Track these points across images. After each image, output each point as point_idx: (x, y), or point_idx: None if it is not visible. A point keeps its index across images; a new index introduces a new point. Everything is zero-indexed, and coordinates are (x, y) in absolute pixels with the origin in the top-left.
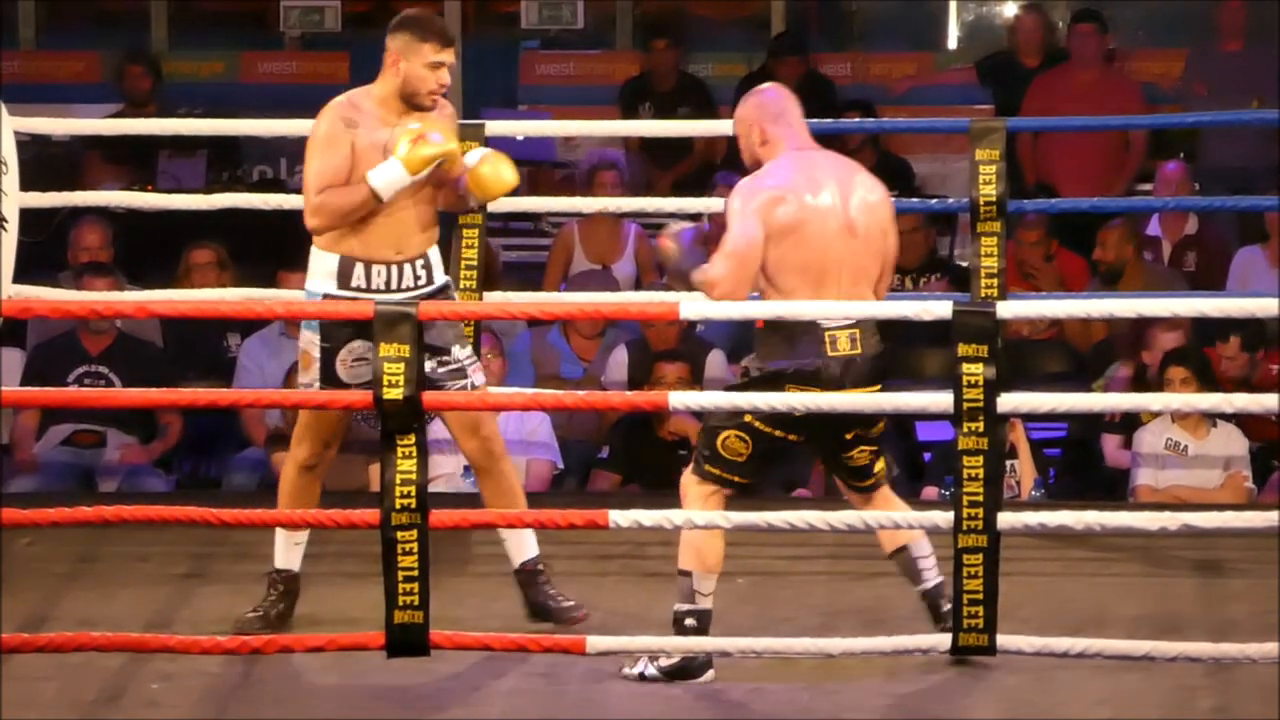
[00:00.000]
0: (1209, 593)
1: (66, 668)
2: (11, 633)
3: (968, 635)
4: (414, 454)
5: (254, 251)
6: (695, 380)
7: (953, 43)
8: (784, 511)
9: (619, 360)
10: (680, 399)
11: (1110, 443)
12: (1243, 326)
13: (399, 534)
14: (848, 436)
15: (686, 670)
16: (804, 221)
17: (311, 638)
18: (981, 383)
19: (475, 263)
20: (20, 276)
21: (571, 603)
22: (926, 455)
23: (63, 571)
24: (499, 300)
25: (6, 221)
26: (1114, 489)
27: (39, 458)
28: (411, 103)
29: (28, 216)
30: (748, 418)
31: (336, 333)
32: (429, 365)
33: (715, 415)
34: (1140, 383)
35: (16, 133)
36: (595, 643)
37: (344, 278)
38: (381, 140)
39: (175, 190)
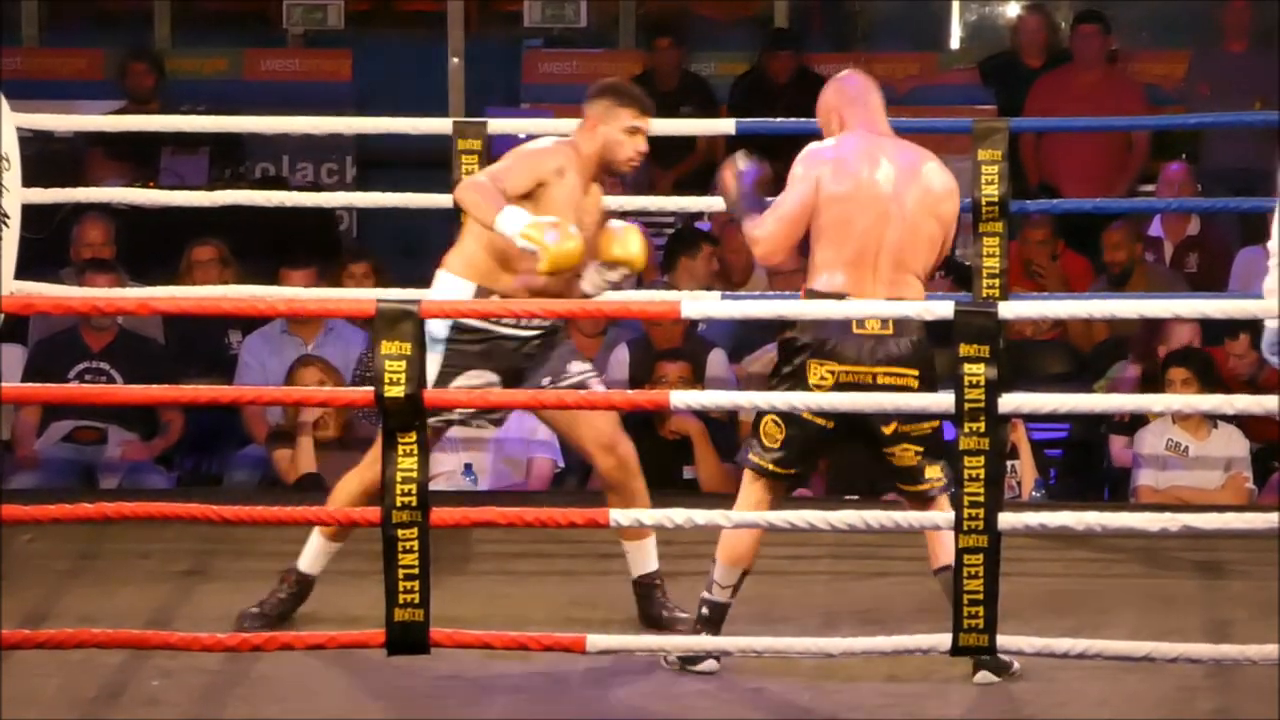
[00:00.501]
0: (1209, 594)
1: (67, 664)
2: (12, 629)
3: (968, 635)
4: (415, 452)
5: (256, 249)
6: (697, 379)
7: (956, 43)
8: (785, 511)
9: (620, 359)
10: (681, 398)
11: (1117, 443)
12: (1251, 325)
13: (400, 532)
14: (885, 430)
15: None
16: (850, 197)
17: (312, 636)
18: (983, 383)
19: None
20: (22, 273)
21: (686, 615)
22: None
23: (63, 568)
24: (501, 298)
25: (9, 218)
26: (1115, 490)
27: (40, 454)
28: (609, 168)
29: (30, 213)
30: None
31: (457, 360)
32: (546, 384)
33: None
34: (1153, 383)
35: (19, 129)
36: (595, 641)
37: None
38: (576, 199)
39: (178, 187)
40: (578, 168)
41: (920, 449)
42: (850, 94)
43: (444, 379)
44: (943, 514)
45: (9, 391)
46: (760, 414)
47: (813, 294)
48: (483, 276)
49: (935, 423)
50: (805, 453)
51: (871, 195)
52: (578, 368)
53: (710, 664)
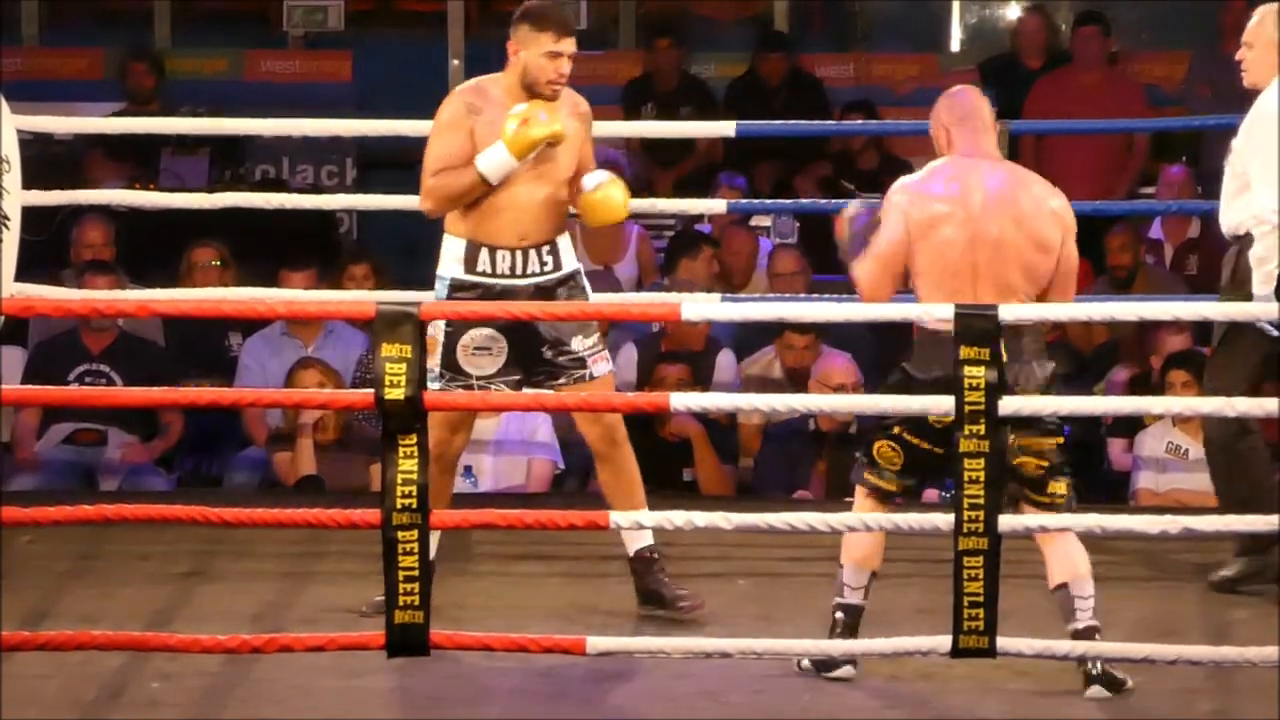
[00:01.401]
0: (1209, 596)
1: (67, 666)
2: (12, 630)
3: (968, 637)
4: (415, 454)
5: (256, 250)
6: (699, 381)
7: (956, 44)
8: (785, 513)
9: (629, 359)
10: (682, 400)
11: (1115, 446)
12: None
13: (400, 534)
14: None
15: (829, 663)
16: (939, 227)
17: (312, 637)
18: (983, 385)
19: None
20: (22, 275)
21: (685, 592)
22: None
23: (63, 570)
24: (503, 301)
25: (9, 219)
26: (1115, 492)
27: (40, 456)
28: (532, 92)
29: (30, 214)
30: (897, 429)
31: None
32: (548, 354)
33: (868, 423)
34: (1144, 387)
35: (19, 130)
36: (595, 643)
37: (470, 262)
38: (498, 134)
39: (178, 189)
40: (496, 100)
41: (1044, 462)
42: (959, 112)
43: (451, 337)
44: (943, 517)
45: (9, 394)
46: (873, 438)
47: (922, 332)
48: (471, 229)
49: (1059, 439)
50: (921, 474)
51: (957, 227)
52: (581, 343)
53: (847, 669)
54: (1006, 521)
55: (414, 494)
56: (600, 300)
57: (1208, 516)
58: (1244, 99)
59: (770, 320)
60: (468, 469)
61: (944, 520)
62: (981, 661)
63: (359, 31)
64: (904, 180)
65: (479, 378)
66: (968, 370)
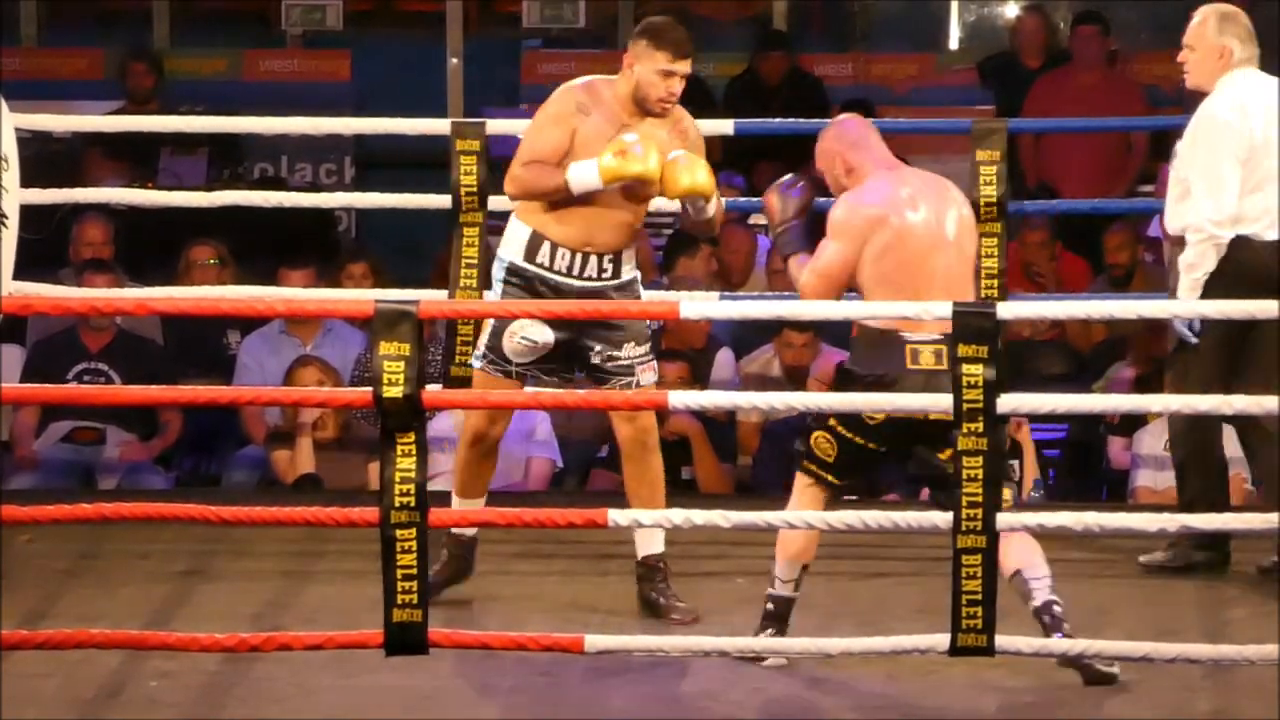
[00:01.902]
0: (1207, 594)
1: (66, 665)
2: (11, 629)
3: (966, 636)
4: (413, 452)
5: (255, 249)
6: (698, 379)
7: (954, 43)
8: (784, 511)
9: None
10: (680, 398)
11: (1116, 444)
12: None
13: (398, 532)
14: (943, 455)
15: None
16: (902, 240)
17: (310, 636)
18: (981, 383)
19: (476, 261)
20: (21, 273)
21: (683, 604)
22: None
23: (62, 568)
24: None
25: (7, 218)
26: (1114, 490)
27: (39, 455)
28: (642, 107)
29: (29, 213)
30: (831, 421)
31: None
32: (597, 359)
33: (809, 415)
34: (1150, 385)
35: (18, 129)
36: (594, 642)
37: (531, 252)
38: (607, 134)
39: (176, 188)
40: (607, 105)
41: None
42: (850, 137)
43: (500, 325)
44: (942, 515)
45: (8, 392)
46: (811, 428)
47: (865, 330)
48: (541, 224)
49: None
50: (856, 469)
51: (917, 236)
52: (632, 351)
53: (778, 659)
54: (1005, 520)
55: (412, 492)
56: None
57: (1206, 514)
58: None
59: (769, 319)
60: None
61: (943, 519)
62: (980, 660)
63: (358, 31)
64: (853, 197)
65: (517, 365)
66: (966, 368)
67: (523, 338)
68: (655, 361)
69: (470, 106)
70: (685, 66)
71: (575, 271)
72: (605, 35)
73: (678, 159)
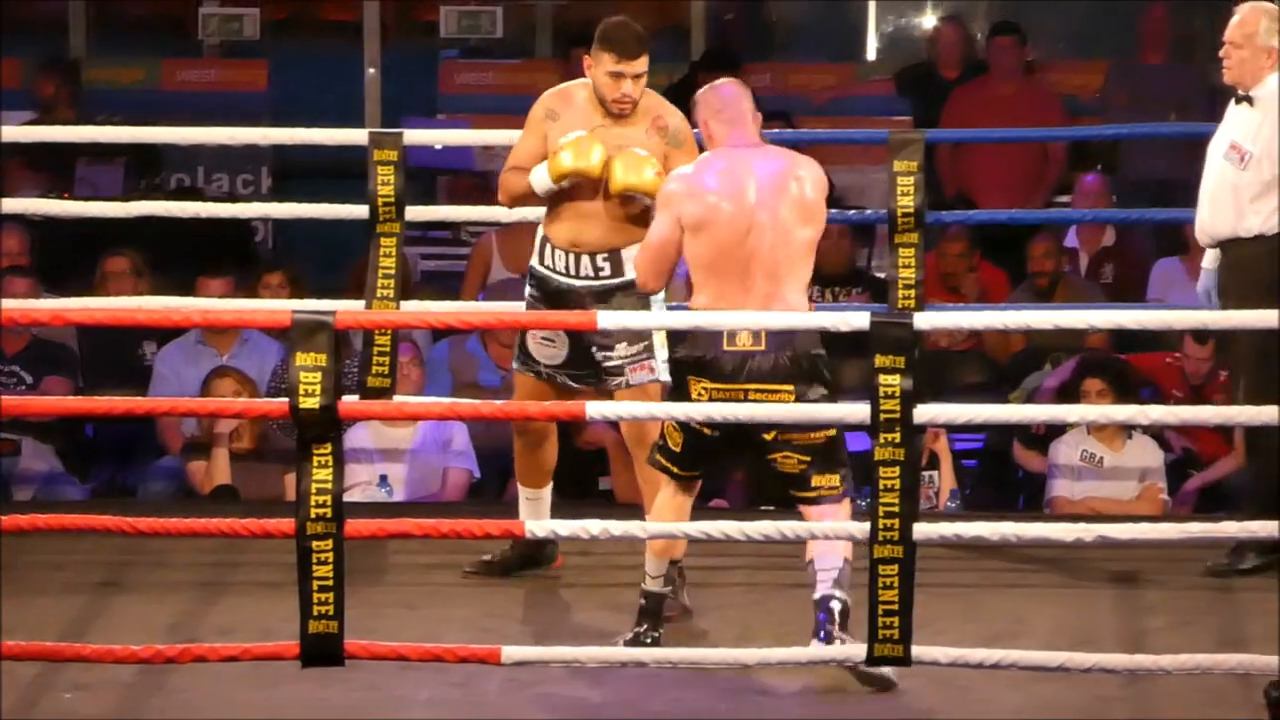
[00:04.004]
0: (1124, 604)
1: None
2: None
3: (883, 645)
4: (330, 463)
5: (172, 259)
6: None
7: (872, 54)
8: (701, 521)
9: None
10: (597, 409)
11: (1023, 453)
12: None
13: (314, 543)
14: (766, 437)
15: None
16: (711, 219)
17: (226, 647)
18: (898, 394)
19: (393, 271)
20: None
21: (679, 602)
22: None
23: None
24: (418, 309)
25: None
26: (1031, 500)
27: None
28: (604, 107)
29: None
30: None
31: (535, 305)
32: (598, 356)
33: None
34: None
35: None
36: (510, 653)
37: (540, 254)
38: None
39: (93, 197)
40: (580, 108)
41: (806, 458)
42: (715, 105)
43: (524, 334)
44: (858, 525)
45: None
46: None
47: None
48: (546, 225)
49: (828, 432)
50: (700, 458)
51: (735, 211)
52: (625, 350)
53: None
54: (922, 530)
55: (329, 504)
56: (515, 309)
57: (1123, 524)
58: (1160, 108)
59: (686, 329)
60: (383, 478)
61: (859, 528)
62: (898, 670)
63: (275, 41)
64: (677, 173)
65: (546, 366)
66: (883, 379)
67: (543, 337)
68: (652, 360)
69: (388, 116)
70: (634, 67)
71: (571, 271)
72: (523, 45)
73: (623, 157)
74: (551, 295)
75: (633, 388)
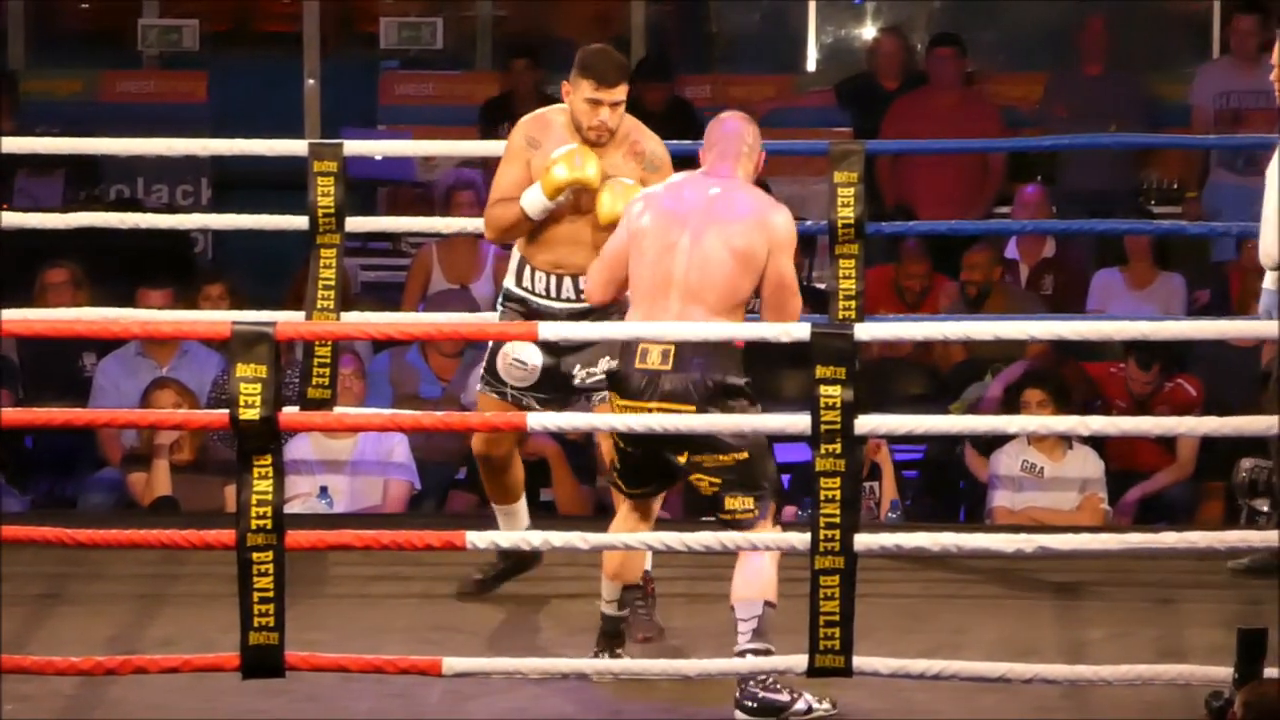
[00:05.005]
0: (1065, 614)
1: None
2: None
3: (824, 656)
4: (270, 474)
5: (111, 271)
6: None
7: (812, 65)
8: (641, 533)
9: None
10: (538, 420)
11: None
12: (1139, 347)
13: (255, 555)
14: (679, 459)
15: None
16: (647, 236)
17: (166, 659)
18: (839, 404)
19: (333, 282)
20: None
21: (653, 622)
22: (786, 477)
23: None
24: (358, 320)
25: None
26: (972, 510)
27: None
28: (580, 134)
29: None
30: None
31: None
32: (579, 376)
33: None
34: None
35: None
36: (452, 664)
37: (518, 275)
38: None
39: (32, 209)
40: (558, 133)
41: (717, 480)
42: (714, 137)
43: (497, 344)
44: (799, 535)
45: None
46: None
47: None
48: (524, 246)
49: (740, 455)
50: (634, 475)
51: (663, 231)
52: (607, 365)
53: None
54: (863, 541)
55: (269, 515)
56: (458, 319)
57: (1063, 535)
58: (1099, 119)
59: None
60: (324, 490)
61: (800, 539)
62: (840, 680)
63: (214, 52)
64: (644, 192)
65: (513, 389)
66: (823, 389)
67: (515, 360)
68: None
69: (328, 127)
70: (613, 95)
71: (553, 293)
72: (463, 56)
73: (611, 186)
74: (531, 316)
75: (606, 402)
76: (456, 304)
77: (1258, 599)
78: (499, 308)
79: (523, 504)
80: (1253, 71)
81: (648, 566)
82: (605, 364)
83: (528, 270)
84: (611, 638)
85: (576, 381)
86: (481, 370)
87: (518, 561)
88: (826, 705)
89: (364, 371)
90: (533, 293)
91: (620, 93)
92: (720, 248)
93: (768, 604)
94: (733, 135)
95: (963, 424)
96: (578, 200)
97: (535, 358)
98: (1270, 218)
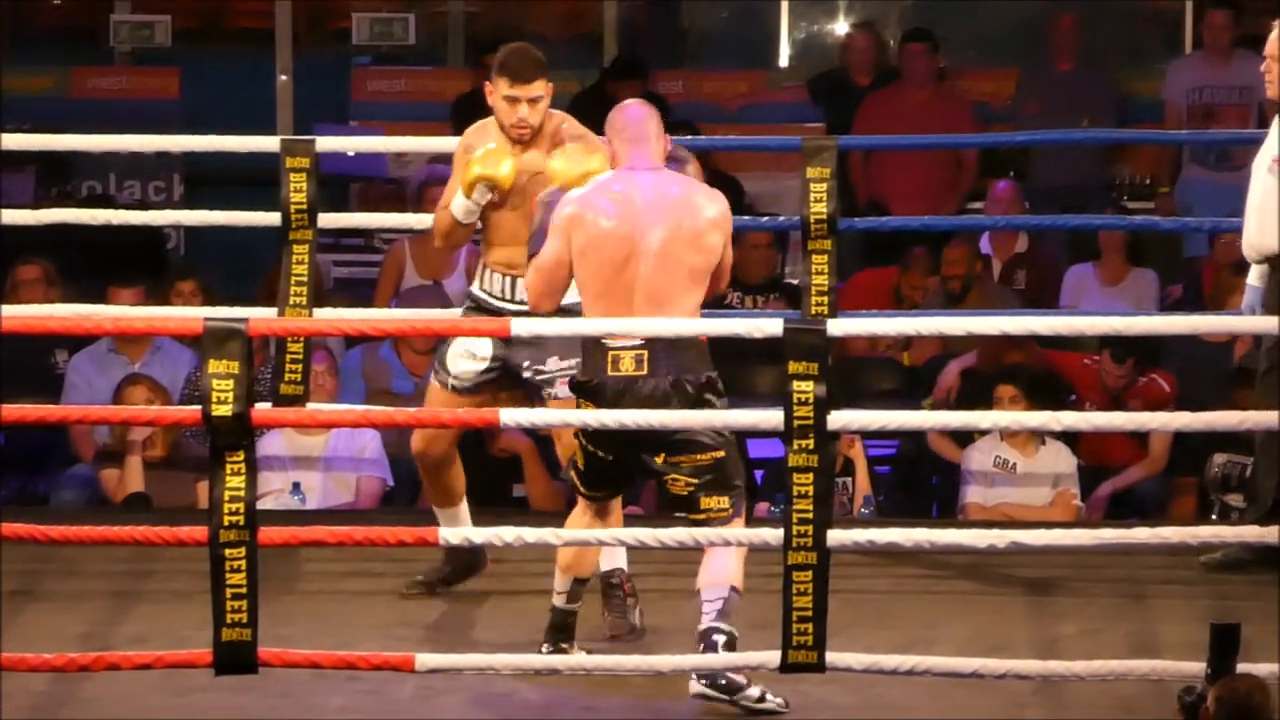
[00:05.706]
0: (1038, 610)
1: None
2: None
3: (797, 652)
4: (243, 471)
5: (83, 267)
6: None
7: (785, 61)
8: (614, 528)
9: None
10: (511, 415)
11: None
12: (1109, 341)
13: (227, 551)
14: (656, 461)
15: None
16: (595, 244)
17: (139, 656)
18: (812, 400)
19: (305, 278)
20: None
21: (625, 620)
22: (758, 473)
23: None
24: (330, 316)
25: None
26: (944, 506)
27: None
28: (504, 132)
29: None
30: (578, 431)
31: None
32: (528, 373)
33: None
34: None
35: None
36: (425, 660)
37: (480, 277)
38: None
39: (3, 206)
40: (492, 138)
41: (694, 480)
42: (619, 124)
43: (445, 344)
44: (771, 531)
45: None
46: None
47: (586, 341)
48: (483, 250)
49: (716, 454)
50: (600, 478)
51: (619, 236)
52: (556, 364)
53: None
54: (836, 536)
55: (241, 511)
56: (431, 315)
57: (1035, 531)
58: (1071, 114)
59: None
60: (296, 486)
61: (773, 535)
62: (810, 676)
63: (187, 48)
64: (570, 195)
65: (455, 377)
66: (796, 385)
67: (465, 350)
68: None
69: (300, 124)
70: (529, 91)
71: (507, 295)
72: (435, 52)
73: (564, 151)
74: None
75: (560, 400)
76: (429, 300)
77: (1230, 594)
78: (463, 310)
79: (464, 508)
80: (1225, 67)
81: (623, 565)
82: (554, 362)
83: (487, 272)
84: (559, 631)
85: (526, 375)
86: (434, 362)
87: (465, 565)
88: (779, 700)
89: (337, 368)
90: (490, 294)
91: (537, 89)
92: (684, 250)
93: (734, 589)
94: (641, 120)
95: (936, 420)
96: (508, 199)
97: (484, 348)
98: (1271, 209)
